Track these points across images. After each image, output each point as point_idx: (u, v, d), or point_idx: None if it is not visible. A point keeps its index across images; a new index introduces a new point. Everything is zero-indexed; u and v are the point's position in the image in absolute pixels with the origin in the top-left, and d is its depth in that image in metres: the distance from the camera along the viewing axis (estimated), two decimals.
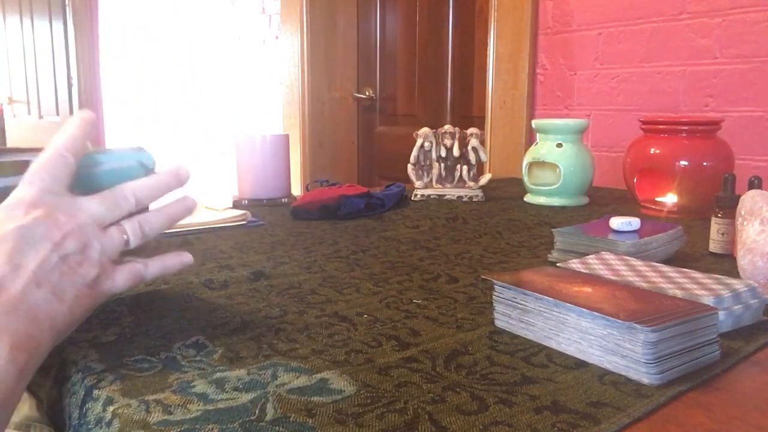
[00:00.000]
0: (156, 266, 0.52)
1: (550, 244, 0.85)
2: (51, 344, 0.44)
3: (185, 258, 0.54)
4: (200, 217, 1.03)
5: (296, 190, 1.41)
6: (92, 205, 0.47)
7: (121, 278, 0.49)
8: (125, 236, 0.49)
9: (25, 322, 0.41)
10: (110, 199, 0.48)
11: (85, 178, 0.51)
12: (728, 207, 0.80)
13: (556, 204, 1.24)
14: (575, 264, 0.66)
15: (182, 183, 0.52)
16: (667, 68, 1.54)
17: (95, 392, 0.43)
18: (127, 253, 0.51)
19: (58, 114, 4.25)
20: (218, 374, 0.45)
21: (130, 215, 0.49)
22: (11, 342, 0.39)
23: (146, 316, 0.58)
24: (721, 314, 0.53)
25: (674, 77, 1.53)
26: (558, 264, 0.68)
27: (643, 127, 1.19)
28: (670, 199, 1.12)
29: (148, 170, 0.54)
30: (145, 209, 0.51)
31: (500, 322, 0.56)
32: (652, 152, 1.15)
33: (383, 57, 2.63)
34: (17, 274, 0.42)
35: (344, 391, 0.43)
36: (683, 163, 1.11)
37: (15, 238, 0.43)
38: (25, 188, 0.46)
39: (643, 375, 0.45)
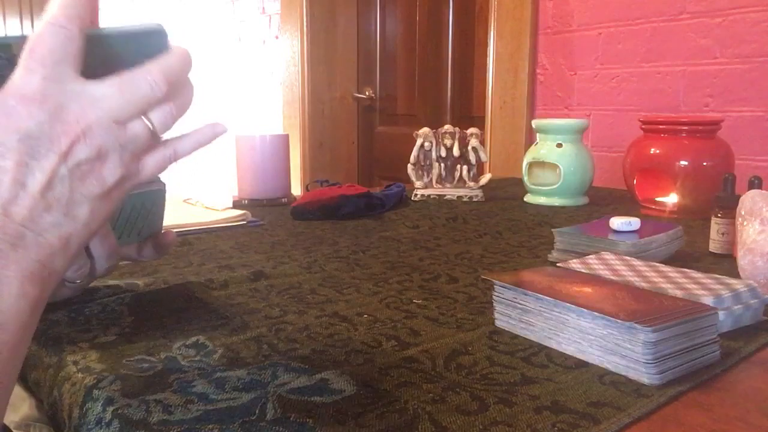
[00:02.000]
0: (188, 143, 0.44)
1: (550, 244, 0.85)
2: (67, 266, 0.39)
3: (218, 128, 0.45)
4: (200, 217, 1.03)
5: (296, 190, 1.41)
6: (109, 95, 0.38)
7: (147, 170, 0.41)
8: (151, 127, 0.40)
9: (35, 251, 0.36)
10: (131, 86, 0.39)
11: (96, 58, 0.40)
12: (728, 207, 0.80)
13: (556, 204, 1.24)
14: (575, 264, 0.66)
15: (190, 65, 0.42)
16: (667, 68, 1.54)
17: (95, 392, 0.43)
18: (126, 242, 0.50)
19: None
20: (218, 374, 0.45)
21: (156, 104, 0.40)
22: (21, 275, 0.35)
23: (146, 316, 0.58)
24: (721, 314, 0.53)
25: (674, 77, 1.53)
26: (558, 264, 0.68)
27: (643, 127, 1.19)
28: (670, 199, 1.12)
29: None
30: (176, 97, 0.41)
31: (500, 322, 0.56)
32: (652, 152, 1.15)
33: (383, 57, 2.63)
34: (22, 198, 0.36)
35: (344, 391, 0.43)
36: (683, 163, 1.11)
37: (17, 153, 0.36)
38: (24, 76, 0.37)
39: (643, 375, 0.45)
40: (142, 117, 0.40)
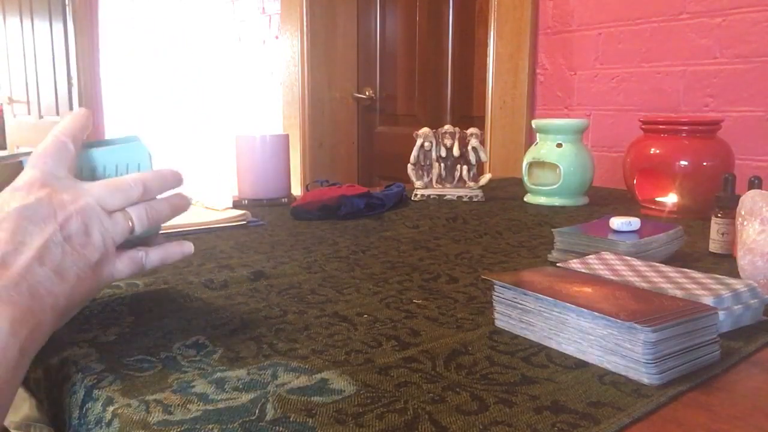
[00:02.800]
0: (157, 255, 0.53)
1: (550, 244, 0.85)
2: (52, 325, 0.44)
3: (186, 247, 0.55)
4: (200, 217, 1.03)
5: (296, 190, 1.41)
6: (97, 189, 0.48)
7: (122, 265, 0.50)
8: (130, 222, 0.49)
9: (27, 298, 0.41)
10: (116, 184, 0.49)
11: (86, 170, 0.52)
12: (728, 207, 0.80)
13: (556, 204, 1.24)
14: (575, 264, 0.66)
15: (181, 183, 0.53)
16: (667, 68, 1.54)
17: (95, 392, 0.43)
18: (129, 244, 0.52)
19: (58, 114, 4.25)
20: (218, 374, 0.45)
21: (136, 203, 0.50)
22: (12, 316, 0.39)
23: (146, 316, 0.58)
24: (721, 314, 0.53)
25: (674, 77, 1.53)
26: (558, 264, 0.68)
27: (643, 127, 1.19)
28: (670, 199, 1.12)
29: (148, 164, 0.55)
30: (151, 199, 0.52)
31: (500, 322, 0.56)
32: (652, 152, 1.15)
33: (383, 57, 2.63)
34: (20, 251, 0.42)
35: (344, 391, 0.43)
36: (683, 163, 1.11)
37: (19, 217, 0.43)
38: (29, 171, 0.46)
39: (643, 375, 0.45)
40: (125, 211, 0.49)
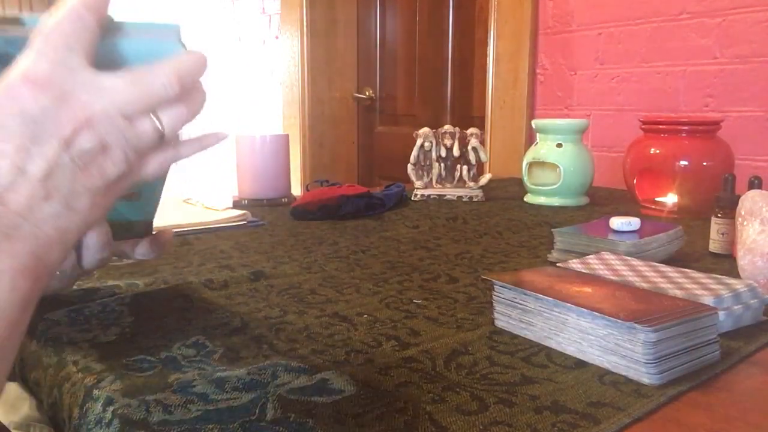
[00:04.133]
0: (192, 147, 0.43)
1: (550, 244, 0.85)
2: (62, 258, 0.38)
3: (221, 135, 0.45)
4: (200, 217, 1.03)
5: (296, 190, 1.41)
6: (119, 87, 0.37)
7: (149, 170, 0.41)
8: (161, 128, 0.39)
9: (30, 242, 0.34)
10: (146, 82, 0.38)
11: (109, 52, 0.39)
12: (728, 207, 0.80)
13: (556, 204, 1.24)
14: (575, 264, 0.66)
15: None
16: (667, 68, 1.54)
17: (95, 392, 0.43)
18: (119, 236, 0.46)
19: None
20: (218, 374, 0.45)
21: (167, 104, 0.39)
22: (13, 267, 0.33)
23: (146, 316, 0.58)
24: (721, 314, 0.53)
25: (674, 77, 1.53)
26: (558, 264, 0.68)
27: (643, 127, 1.19)
28: (670, 199, 1.12)
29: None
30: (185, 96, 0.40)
31: (500, 322, 0.56)
32: (652, 152, 1.15)
33: (383, 57, 2.63)
34: (21, 185, 0.34)
35: (344, 391, 0.43)
36: (683, 163, 1.11)
37: (19, 136, 0.34)
38: (33, 59, 0.35)
39: (643, 375, 0.45)
40: (152, 116, 0.38)
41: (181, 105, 0.40)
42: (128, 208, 0.50)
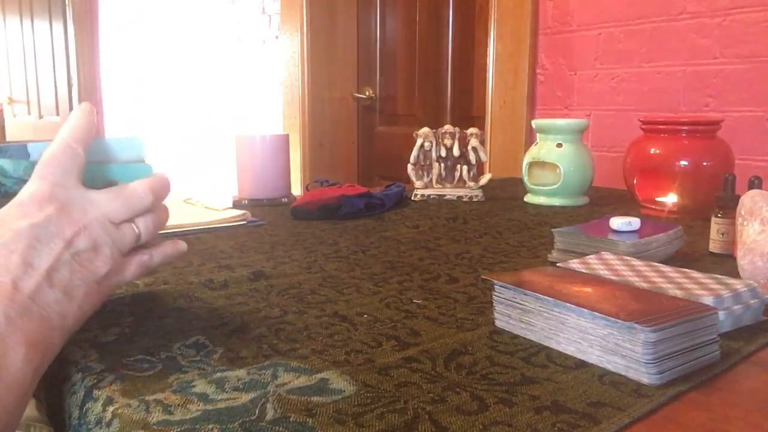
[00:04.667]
0: (159, 255, 0.53)
1: (550, 244, 0.85)
2: (62, 343, 0.44)
3: (180, 246, 0.55)
4: (200, 217, 1.03)
5: (296, 190, 1.41)
6: (105, 201, 0.47)
7: (130, 270, 0.50)
8: (137, 231, 0.49)
9: (38, 323, 0.41)
10: (126, 195, 0.48)
11: (95, 171, 0.50)
12: (728, 207, 0.80)
13: (556, 204, 1.24)
14: (575, 264, 0.66)
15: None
16: (667, 68, 1.54)
17: (95, 392, 0.43)
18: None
19: (58, 114, 4.25)
20: (218, 374, 0.45)
21: (143, 213, 0.49)
22: (26, 343, 0.39)
23: (146, 316, 0.58)
24: (721, 314, 0.53)
25: (674, 77, 1.53)
26: (558, 264, 0.68)
27: (643, 127, 1.19)
28: (670, 199, 1.12)
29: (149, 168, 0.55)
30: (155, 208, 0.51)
31: (500, 322, 0.56)
32: (652, 152, 1.15)
33: (383, 57, 2.63)
34: (30, 275, 0.42)
35: (344, 391, 0.43)
36: (683, 163, 1.11)
37: (28, 237, 0.43)
38: (37, 183, 0.45)
39: (643, 375, 0.45)
40: (131, 222, 0.48)
41: (152, 214, 0.50)
42: None
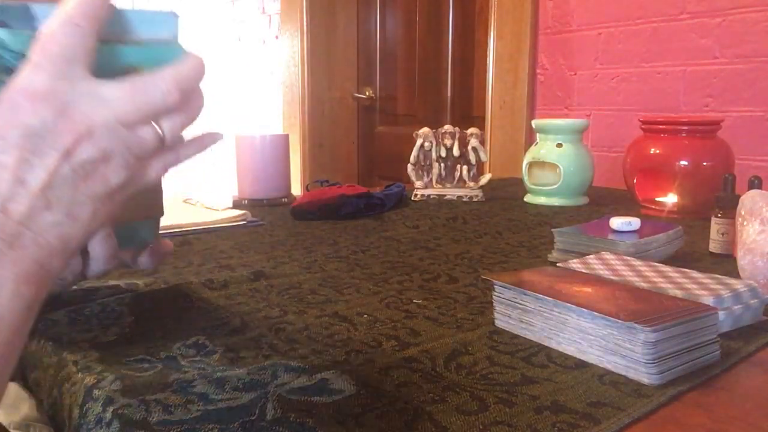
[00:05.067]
0: (191, 149, 0.44)
1: (550, 244, 0.85)
2: (63, 267, 0.38)
3: (217, 136, 0.45)
4: (200, 217, 1.03)
5: (296, 190, 1.41)
6: (119, 97, 0.37)
7: (150, 175, 0.41)
8: (161, 133, 0.39)
9: (32, 250, 0.35)
10: (145, 92, 0.38)
11: (109, 54, 0.39)
12: (728, 207, 0.80)
13: (556, 204, 1.24)
14: (575, 264, 0.66)
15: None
16: (667, 68, 1.54)
17: (95, 392, 0.43)
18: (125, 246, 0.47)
19: None
20: (218, 374, 0.45)
21: (167, 112, 0.40)
22: (16, 275, 0.34)
23: (146, 316, 0.58)
24: (721, 314, 0.53)
25: (674, 77, 1.53)
26: (558, 264, 0.68)
27: (643, 127, 1.19)
28: (670, 199, 1.12)
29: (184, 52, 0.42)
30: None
31: (500, 322, 0.56)
32: (652, 152, 1.15)
33: (383, 57, 2.63)
34: (21, 195, 0.35)
35: (344, 391, 0.43)
36: (683, 163, 1.11)
37: (19, 148, 0.35)
38: (32, 73, 0.36)
39: (643, 375, 0.45)
40: (152, 123, 0.39)
41: (181, 112, 0.40)
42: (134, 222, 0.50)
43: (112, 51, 0.39)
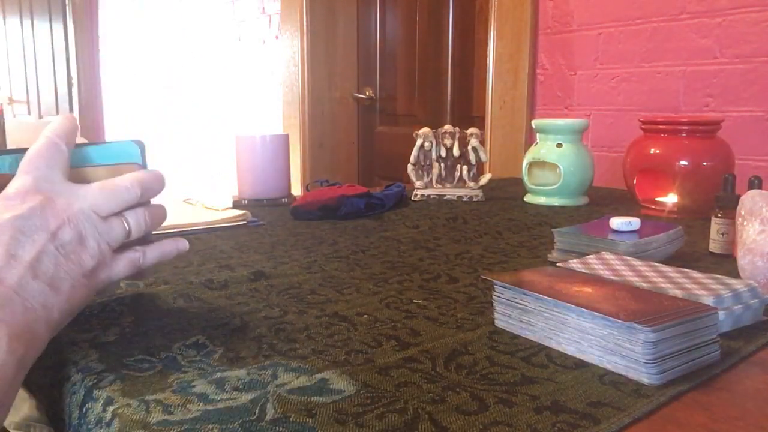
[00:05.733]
0: (154, 253, 0.52)
1: (550, 244, 0.85)
2: (48, 335, 0.44)
3: (181, 244, 0.54)
4: (200, 217, 1.03)
5: (296, 190, 1.41)
6: (92, 193, 0.46)
7: (119, 267, 0.49)
8: (127, 227, 0.48)
9: (21, 314, 0.41)
10: (112, 188, 0.47)
11: (79, 173, 0.50)
12: (728, 207, 0.80)
13: (556, 204, 1.24)
14: (575, 264, 0.66)
15: (164, 185, 0.53)
16: (667, 68, 1.54)
17: (95, 392, 0.43)
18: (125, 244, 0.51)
19: (58, 114, 4.25)
20: (218, 374, 0.45)
21: (133, 207, 0.48)
22: (9, 333, 0.39)
23: (146, 316, 0.58)
24: (721, 314, 0.53)
25: (674, 77, 1.53)
26: (558, 264, 0.68)
27: (643, 127, 1.19)
28: (670, 199, 1.12)
29: (143, 165, 0.54)
30: (146, 202, 0.50)
31: (500, 322, 0.56)
32: (652, 152, 1.15)
33: (383, 57, 2.63)
34: (13, 266, 0.41)
35: (344, 391, 0.43)
36: (683, 163, 1.11)
37: (11, 229, 0.42)
38: (21, 177, 0.45)
39: (643, 375, 0.45)
40: (120, 217, 0.48)
41: (144, 210, 0.49)
42: None
43: (82, 172, 0.51)
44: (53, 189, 0.45)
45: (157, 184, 0.50)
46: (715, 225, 0.83)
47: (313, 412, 0.40)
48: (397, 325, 0.56)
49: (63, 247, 0.44)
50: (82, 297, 0.46)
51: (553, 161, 1.23)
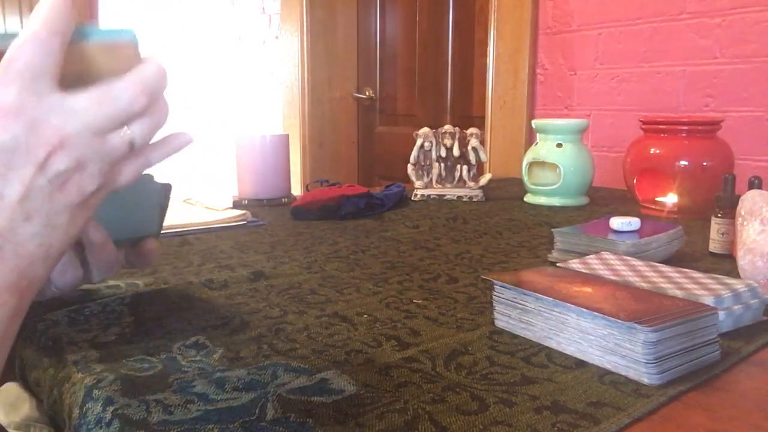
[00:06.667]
0: (161, 152, 0.44)
1: (550, 244, 0.85)
2: (47, 272, 0.39)
3: (186, 137, 0.45)
4: (200, 217, 1.03)
5: (296, 190, 1.41)
6: (88, 107, 0.38)
7: (124, 176, 0.42)
8: (130, 138, 0.40)
9: (14, 261, 0.36)
10: (113, 98, 0.38)
11: (69, 50, 0.39)
12: (728, 207, 0.80)
13: (556, 204, 1.24)
14: (575, 264, 0.66)
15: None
16: (667, 68, 1.54)
17: (95, 392, 0.43)
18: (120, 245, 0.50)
19: None
20: (218, 374, 0.45)
21: (137, 116, 0.40)
22: None
23: (146, 316, 0.58)
24: (721, 314, 0.53)
25: (674, 77, 1.53)
26: (558, 264, 0.68)
27: (643, 127, 1.19)
28: (670, 199, 1.12)
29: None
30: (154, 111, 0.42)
31: (500, 322, 0.56)
32: (652, 152, 1.15)
33: (383, 57, 2.63)
34: (0, 208, 0.36)
35: (344, 391, 0.43)
36: (683, 163, 1.11)
37: None
38: (2, 90, 0.36)
39: (643, 375, 0.45)
40: (122, 129, 0.40)
41: (148, 116, 0.41)
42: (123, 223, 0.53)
43: (75, 51, 0.40)
44: (41, 105, 0.37)
45: (162, 83, 0.42)
46: (715, 225, 0.83)
47: (313, 412, 0.40)
48: (397, 325, 0.56)
49: (57, 177, 0.37)
50: (82, 221, 0.40)
51: (553, 161, 1.23)
